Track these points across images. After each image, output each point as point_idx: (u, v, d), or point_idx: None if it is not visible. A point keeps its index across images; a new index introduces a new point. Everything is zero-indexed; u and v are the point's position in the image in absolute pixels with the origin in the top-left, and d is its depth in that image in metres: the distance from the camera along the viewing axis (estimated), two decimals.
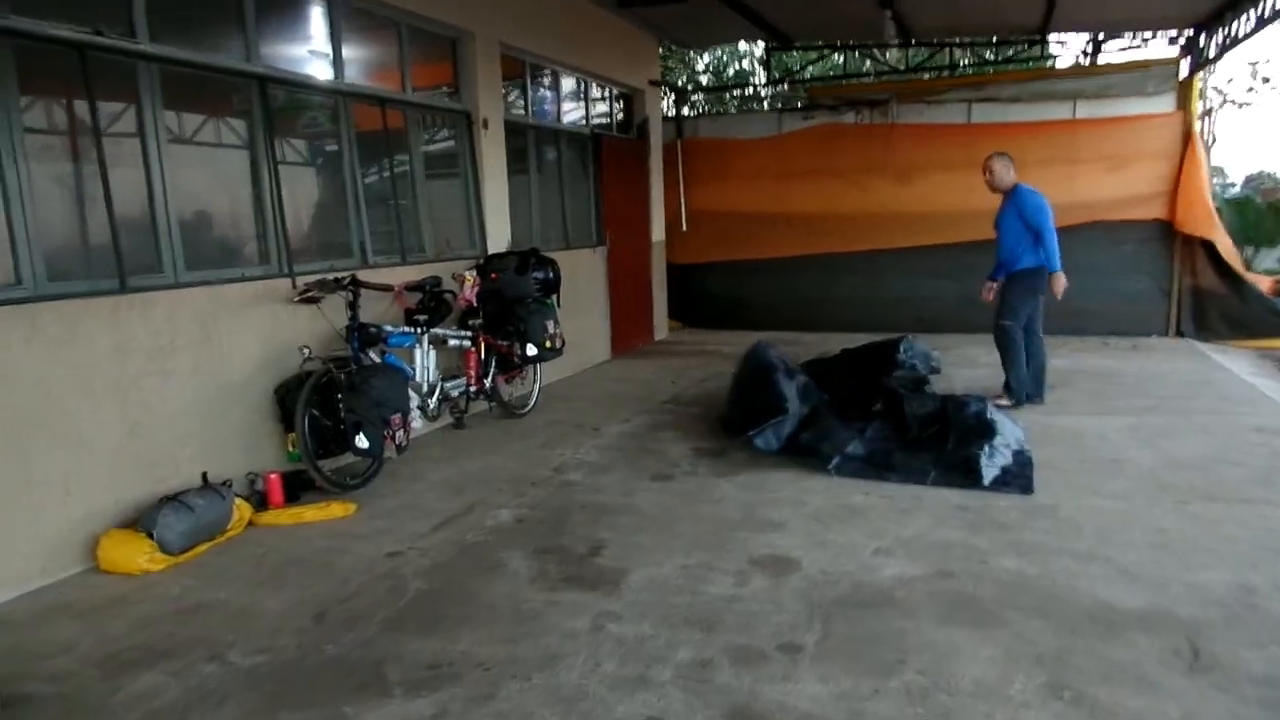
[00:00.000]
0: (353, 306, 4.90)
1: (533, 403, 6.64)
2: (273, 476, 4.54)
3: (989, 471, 4.61)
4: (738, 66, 18.63)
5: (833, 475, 4.76)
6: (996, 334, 6.28)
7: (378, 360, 5.07)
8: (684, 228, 10.99)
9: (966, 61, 11.11)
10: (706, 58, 18.68)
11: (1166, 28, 9.72)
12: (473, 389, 5.95)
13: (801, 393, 5.43)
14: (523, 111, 7.66)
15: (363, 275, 5.08)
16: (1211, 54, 9.23)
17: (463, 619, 3.22)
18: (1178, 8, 8.91)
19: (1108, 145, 9.38)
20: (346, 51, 5.46)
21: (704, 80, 18.05)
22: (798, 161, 10.50)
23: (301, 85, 5.14)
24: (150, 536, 3.78)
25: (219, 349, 4.46)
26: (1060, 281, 5.98)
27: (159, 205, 4.20)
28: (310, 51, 5.30)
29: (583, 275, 8.47)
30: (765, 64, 12.14)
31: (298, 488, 4.66)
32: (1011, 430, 5.20)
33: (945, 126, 9.93)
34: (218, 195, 4.86)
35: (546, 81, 8.26)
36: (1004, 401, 6.10)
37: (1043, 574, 3.44)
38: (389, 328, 5.19)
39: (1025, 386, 6.29)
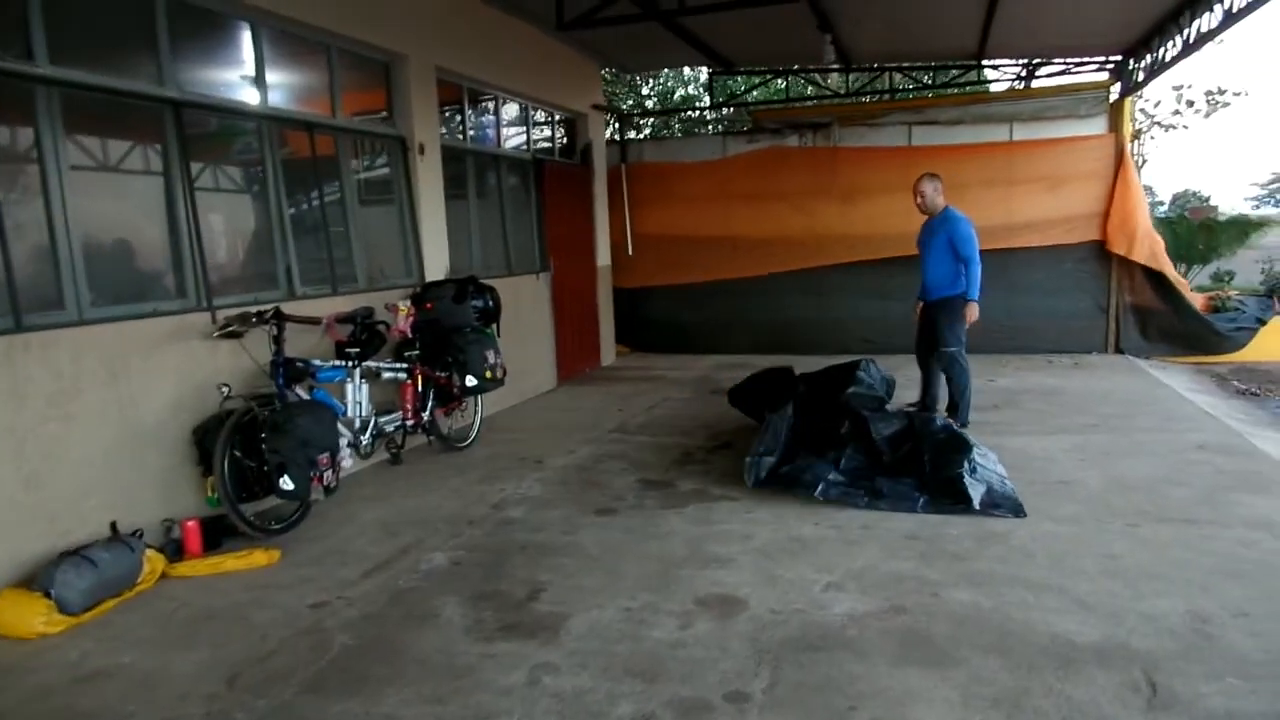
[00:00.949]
0: (277, 341, 4.64)
1: (474, 435, 6.41)
2: (190, 524, 4.26)
3: (975, 491, 4.50)
4: (684, 91, 18.74)
5: (821, 508, 4.55)
6: (944, 361, 6.27)
7: (305, 396, 4.82)
8: (630, 252, 10.89)
9: (908, 86, 11.22)
10: (652, 83, 18.76)
11: (1097, 54, 9.95)
12: (409, 423, 5.71)
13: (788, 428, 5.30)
14: (461, 137, 7.49)
15: (288, 308, 4.84)
16: (1140, 78, 9.46)
17: (389, 677, 3.00)
18: (1108, 35, 9.12)
19: (1044, 166, 9.53)
20: (271, 75, 5.24)
21: (650, 105, 18.09)
22: (742, 184, 10.49)
23: (219, 110, 4.90)
24: (48, 595, 3.47)
25: (129, 390, 4.17)
26: (974, 311, 6.03)
27: (60, 237, 3.92)
28: (231, 75, 5.07)
29: (526, 302, 8.29)
30: (709, 88, 12.09)
31: (220, 534, 4.38)
32: (979, 443, 5.12)
33: (887, 149, 10.00)
34: (129, 225, 4.58)
35: (486, 106, 8.11)
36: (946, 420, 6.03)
37: (997, 606, 3.33)
38: (317, 362, 4.95)
39: (967, 406, 6.25)
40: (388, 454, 5.79)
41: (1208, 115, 21.52)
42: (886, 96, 11.15)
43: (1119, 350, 9.55)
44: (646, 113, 15.68)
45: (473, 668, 3.04)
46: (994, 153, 9.69)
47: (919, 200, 6.21)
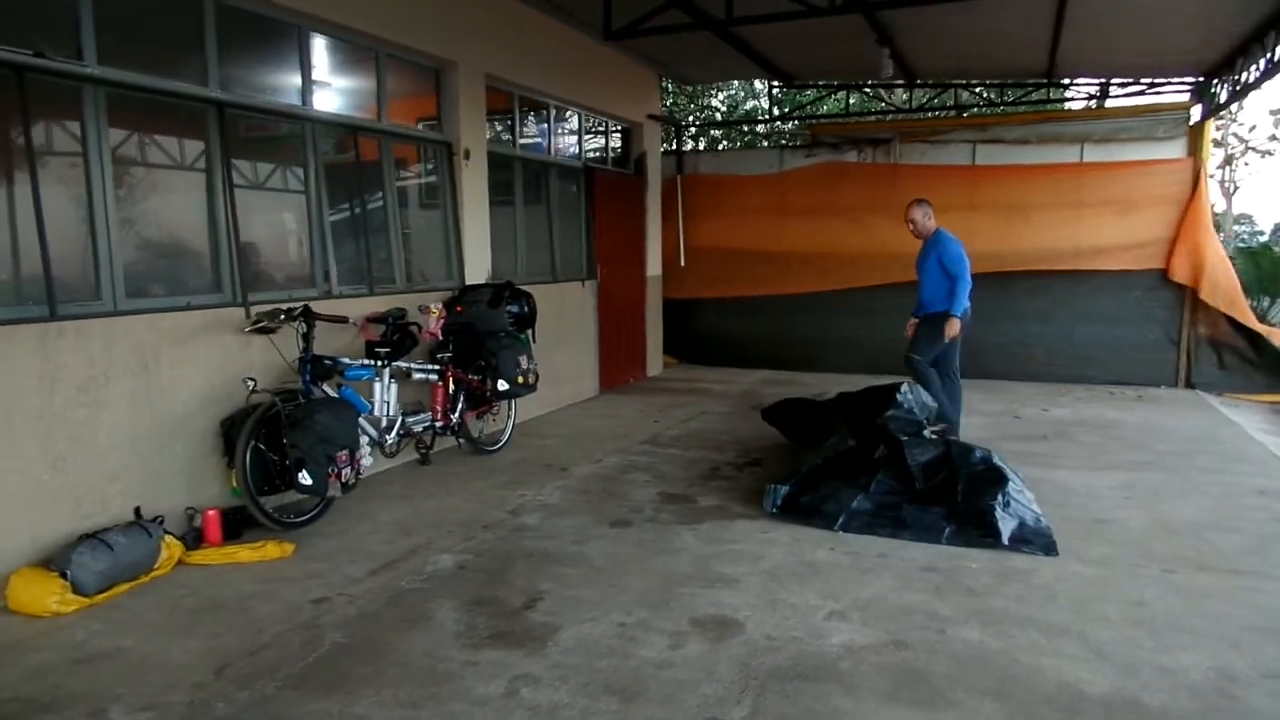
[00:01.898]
0: (306, 338, 4.74)
1: (505, 439, 6.43)
2: (210, 513, 4.36)
3: (1006, 525, 4.31)
4: (755, 103, 18.61)
5: (839, 534, 4.41)
6: (906, 366, 6.33)
7: (333, 394, 4.90)
8: (683, 263, 10.85)
9: (974, 104, 10.91)
10: (722, 94, 18.69)
11: (1175, 74, 9.50)
12: (438, 424, 5.76)
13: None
14: (510, 143, 7.56)
15: (320, 306, 4.94)
16: (1223, 99, 9.00)
17: (370, 678, 3.00)
18: (1187, 54, 8.69)
19: (1116, 190, 9.14)
20: (317, 78, 5.37)
21: (720, 116, 18.00)
22: (798, 199, 10.35)
23: (263, 111, 5.03)
24: (64, 576, 3.59)
25: (159, 381, 4.30)
26: (954, 326, 6.08)
27: (100, 230, 4.07)
28: (277, 78, 5.21)
29: (571, 309, 8.32)
30: (769, 100, 11.98)
31: (240, 525, 4.47)
32: (1017, 474, 4.91)
33: (948, 168, 9.75)
34: (168, 221, 4.74)
35: (538, 114, 8.17)
36: (937, 428, 5.84)
37: (1005, 648, 3.16)
38: (346, 360, 5.03)
39: (954, 413, 6.27)
40: (417, 454, 5.85)
41: None
42: (951, 113, 10.85)
43: (1190, 385, 9.07)
44: (704, 124, 15.57)
45: (454, 674, 3.02)
46: (1063, 174, 9.34)
47: (911, 226, 6.33)
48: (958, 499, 4.54)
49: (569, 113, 8.62)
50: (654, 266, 10.24)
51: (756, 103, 18.53)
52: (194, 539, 4.33)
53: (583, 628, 3.38)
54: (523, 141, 7.86)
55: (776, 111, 12.46)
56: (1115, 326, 9.26)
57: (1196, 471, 5.63)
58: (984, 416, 7.50)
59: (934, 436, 5.16)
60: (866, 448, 5.03)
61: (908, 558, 4.09)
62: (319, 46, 5.45)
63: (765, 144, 14.84)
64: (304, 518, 4.59)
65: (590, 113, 8.90)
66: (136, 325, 4.20)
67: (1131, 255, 9.12)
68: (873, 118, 12.15)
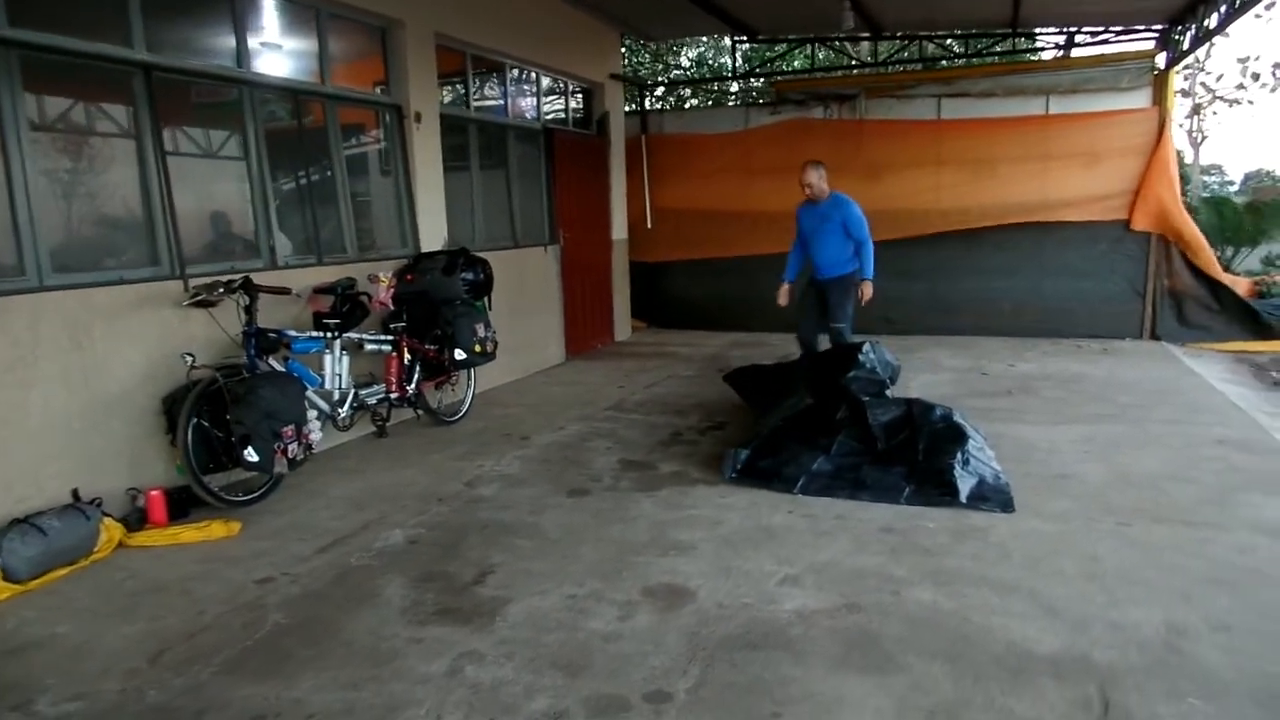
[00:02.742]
0: (248, 310, 4.58)
1: (465, 410, 6.33)
2: (154, 493, 4.23)
3: (965, 484, 4.29)
4: (726, 60, 18.21)
5: (799, 497, 4.37)
6: (834, 337, 6.25)
7: (279, 368, 4.76)
8: (649, 225, 10.70)
9: (939, 56, 10.75)
10: (693, 52, 18.33)
11: (1140, 21, 9.39)
12: (394, 396, 5.64)
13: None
14: (465, 106, 7.34)
15: (263, 278, 4.77)
16: (1186, 46, 8.92)
17: (311, 659, 2.92)
18: (1150, 1, 8.59)
19: (1082, 141, 9.08)
20: (254, 39, 5.14)
21: (691, 74, 17.65)
22: (763, 158, 10.18)
23: (195, 75, 4.81)
24: None
25: (93, 358, 4.14)
26: (869, 289, 6.15)
27: (20, 202, 3.88)
28: (209, 40, 4.98)
29: (533, 275, 8.17)
30: (732, 55, 11.74)
31: (186, 504, 4.36)
32: (977, 432, 4.92)
33: (914, 123, 9.63)
34: (97, 192, 4.54)
35: (494, 75, 7.94)
36: None
37: (957, 609, 3.13)
38: (292, 332, 4.88)
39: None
40: (373, 426, 5.73)
41: (1275, 89, 20.48)
42: (918, 67, 10.70)
43: (1155, 336, 9.10)
44: (669, 84, 15.27)
45: (397, 653, 2.94)
46: (1028, 126, 9.25)
47: (808, 190, 6.15)
48: (918, 458, 4.51)
49: (527, 73, 8.39)
50: (619, 230, 10.08)
51: (728, 60, 18.19)
52: (138, 520, 4.21)
53: (532, 601, 3.31)
54: (478, 104, 7.65)
55: (746, 69, 12.25)
56: (1082, 279, 9.25)
57: (1157, 423, 5.64)
58: (950, 373, 7.49)
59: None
60: (828, 409, 4.98)
61: (866, 519, 4.05)
62: (255, 5, 5.22)
63: (734, 102, 14.59)
64: (252, 496, 4.48)
65: (549, 73, 8.67)
66: (66, 301, 4.03)
67: (1098, 207, 9.09)
68: (839, 73, 11.94)
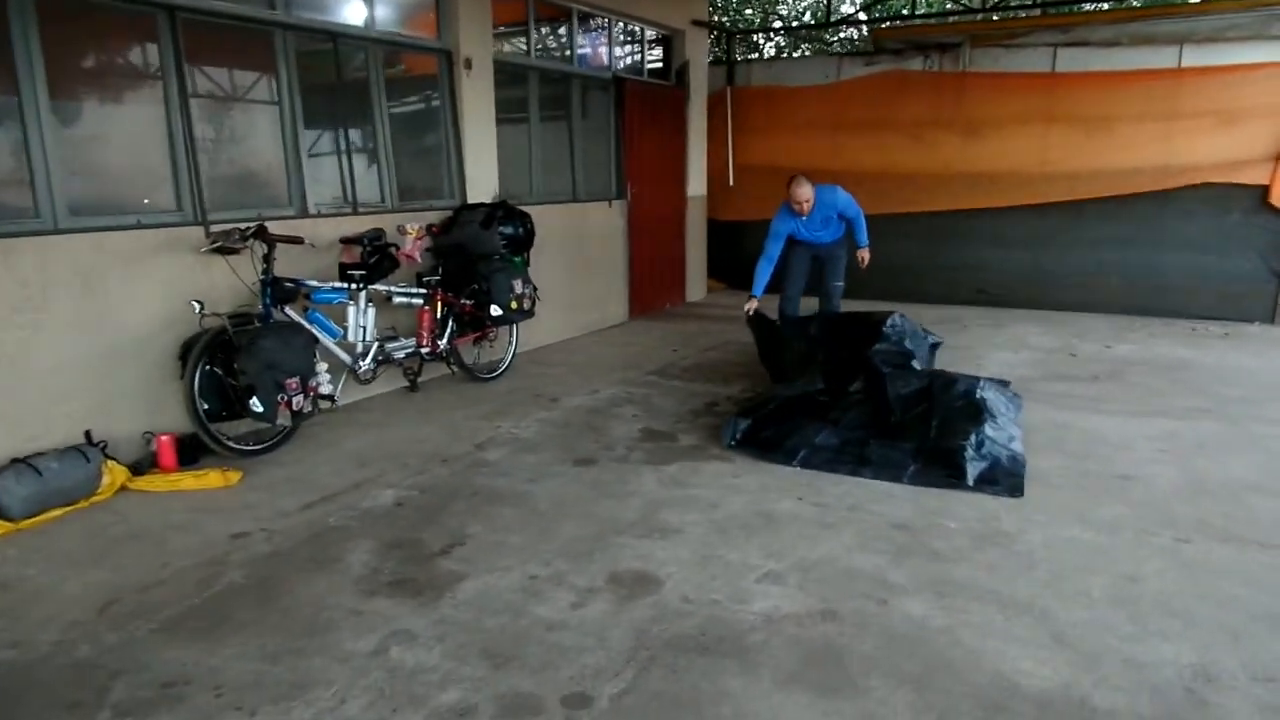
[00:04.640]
0: (266, 259, 4.54)
1: (504, 367, 6.19)
2: (164, 438, 4.28)
3: (974, 466, 3.98)
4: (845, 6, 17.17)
5: (798, 469, 4.16)
6: (834, 295, 6.25)
7: (297, 318, 4.72)
8: (731, 182, 10.24)
9: (1060, 1, 9.70)
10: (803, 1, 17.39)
11: None
12: (424, 351, 5.55)
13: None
14: (525, 51, 7.09)
15: (294, 226, 4.75)
16: None
17: (245, 624, 2.83)
18: None
19: (1218, 98, 8.01)
20: None
21: (800, 19, 16.72)
22: (855, 112, 9.53)
23: (223, 17, 4.73)
24: None
25: (107, 302, 4.18)
26: (867, 254, 6.26)
27: (35, 145, 3.90)
28: None
29: (594, 231, 7.93)
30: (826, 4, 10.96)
31: (197, 450, 4.39)
32: (1007, 415, 4.48)
33: (1023, 75, 8.74)
34: (116, 134, 4.53)
35: (560, 21, 7.64)
36: None
37: (949, 626, 2.75)
38: (313, 282, 4.83)
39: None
40: (406, 380, 5.66)
41: None
42: (1035, 13, 9.69)
43: None
44: (751, 30, 14.45)
45: (333, 625, 2.82)
46: (1155, 81, 8.22)
47: (805, 204, 5.79)
48: (930, 434, 4.20)
49: (598, 19, 8.05)
50: (696, 186, 9.68)
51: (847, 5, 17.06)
52: (149, 464, 4.27)
53: (490, 578, 3.13)
54: (542, 51, 7.38)
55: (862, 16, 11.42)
56: (1205, 254, 8.24)
57: (1259, 423, 4.92)
58: (1034, 352, 6.82)
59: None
60: (842, 382, 4.63)
61: (880, 512, 3.66)
62: None
63: (837, 49, 13.74)
64: (261, 445, 4.48)
65: (622, 18, 8.29)
66: (78, 244, 4.06)
67: (1231, 174, 8.03)
68: (946, 19, 11.01)
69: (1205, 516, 3.58)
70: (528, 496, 3.92)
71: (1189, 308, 8.28)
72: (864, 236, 6.18)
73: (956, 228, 9.18)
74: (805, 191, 5.77)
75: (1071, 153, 8.55)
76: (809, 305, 6.28)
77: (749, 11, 16.49)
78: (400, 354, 5.41)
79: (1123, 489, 3.91)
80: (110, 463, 3.99)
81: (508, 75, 6.83)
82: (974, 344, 7.10)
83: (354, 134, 5.64)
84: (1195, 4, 8.44)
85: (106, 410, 4.19)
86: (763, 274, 5.92)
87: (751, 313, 5.91)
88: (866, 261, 6.23)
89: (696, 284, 9.88)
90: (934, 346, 6.07)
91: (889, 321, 5.05)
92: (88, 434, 4.05)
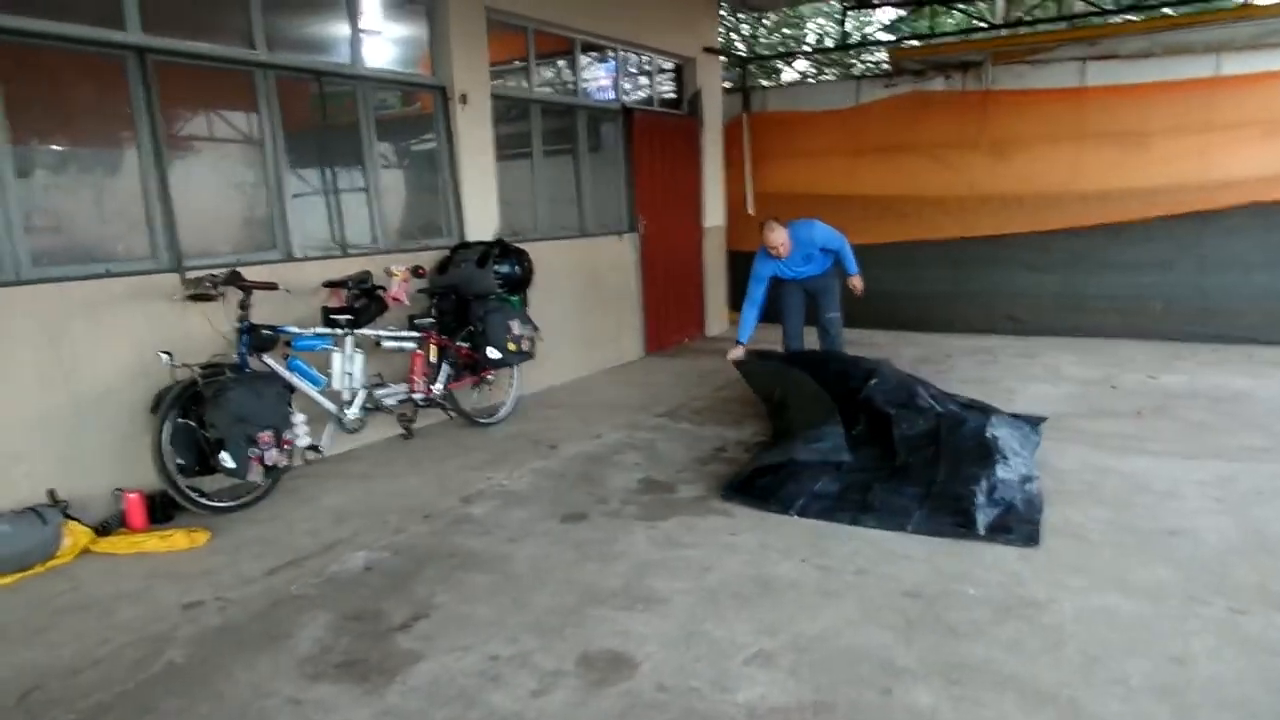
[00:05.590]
0: (242, 305, 4.34)
1: (505, 411, 5.92)
2: (132, 496, 4.06)
3: (985, 514, 3.66)
4: (865, 24, 16.84)
5: (795, 518, 3.88)
6: (831, 329, 6.09)
7: (277, 366, 4.51)
8: (751, 211, 9.95)
9: (1080, 13, 9.32)
10: (820, 21, 17.14)
11: None
12: (417, 396, 5.30)
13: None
14: (526, 85, 6.90)
15: (280, 270, 4.57)
16: None
17: (171, 715, 2.55)
18: None
19: (1260, 107, 7.56)
20: (268, 19, 4.87)
21: (817, 44, 16.49)
22: (875, 136, 9.22)
23: (198, 58, 4.58)
24: None
25: (72, 354, 3.99)
26: (860, 281, 6.12)
27: None
28: (215, 18, 4.75)
29: (605, 265, 7.68)
30: (841, 23, 10.69)
31: (170, 508, 4.17)
32: (1021, 453, 4.12)
33: (1050, 91, 8.36)
34: (84, 178, 4.39)
35: (564, 54, 7.45)
36: None
37: None
38: (293, 329, 4.61)
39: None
40: (400, 428, 5.41)
41: None
42: (1063, 25, 9.32)
43: None
44: (764, 56, 14.15)
45: (264, 717, 2.53)
46: (1190, 91, 7.80)
47: (781, 249, 5.72)
48: (937, 477, 3.89)
49: (603, 48, 7.86)
50: (713, 216, 9.40)
51: (868, 21, 16.64)
52: (118, 523, 4.06)
53: (448, 659, 2.82)
54: (546, 83, 7.20)
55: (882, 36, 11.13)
56: (1256, 274, 7.71)
57: None
58: (1072, 384, 6.37)
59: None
60: (845, 425, 4.32)
61: (891, 575, 3.29)
62: None
63: (858, 73, 13.44)
64: (237, 502, 4.25)
65: (630, 48, 8.10)
66: (40, 295, 3.89)
67: (1278, 187, 7.55)
68: (973, 37, 10.66)
69: (1266, 580, 3.15)
70: (506, 560, 3.61)
71: (1240, 331, 7.73)
72: (853, 265, 6.03)
73: (985, 253, 8.76)
74: (779, 236, 5.66)
75: (1105, 171, 8.12)
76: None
77: (771, 37, 16.30)
78: (391, 400, 5.17)
79: (1169, 546, 3.49)
80: (71, 523, 3.78)
81: (509, 109, 6.65)
82: (1004, 376, 6.67)
83: (342, 174, 5.46)
84: (1233, 9, 7.98)
85: (73, 467, 3.99)
86: (747, 319, 5.83)
87: (736, 359, 5.74)
88: (860, 289, 6.09)
89: (716, 317, 9.56)
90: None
91: (874, 377, 4.81)
92: (51, 493, 3.86)
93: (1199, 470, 4.38)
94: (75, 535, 3.78)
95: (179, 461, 4.07)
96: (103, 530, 3.94)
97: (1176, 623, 2.88)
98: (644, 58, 8.48)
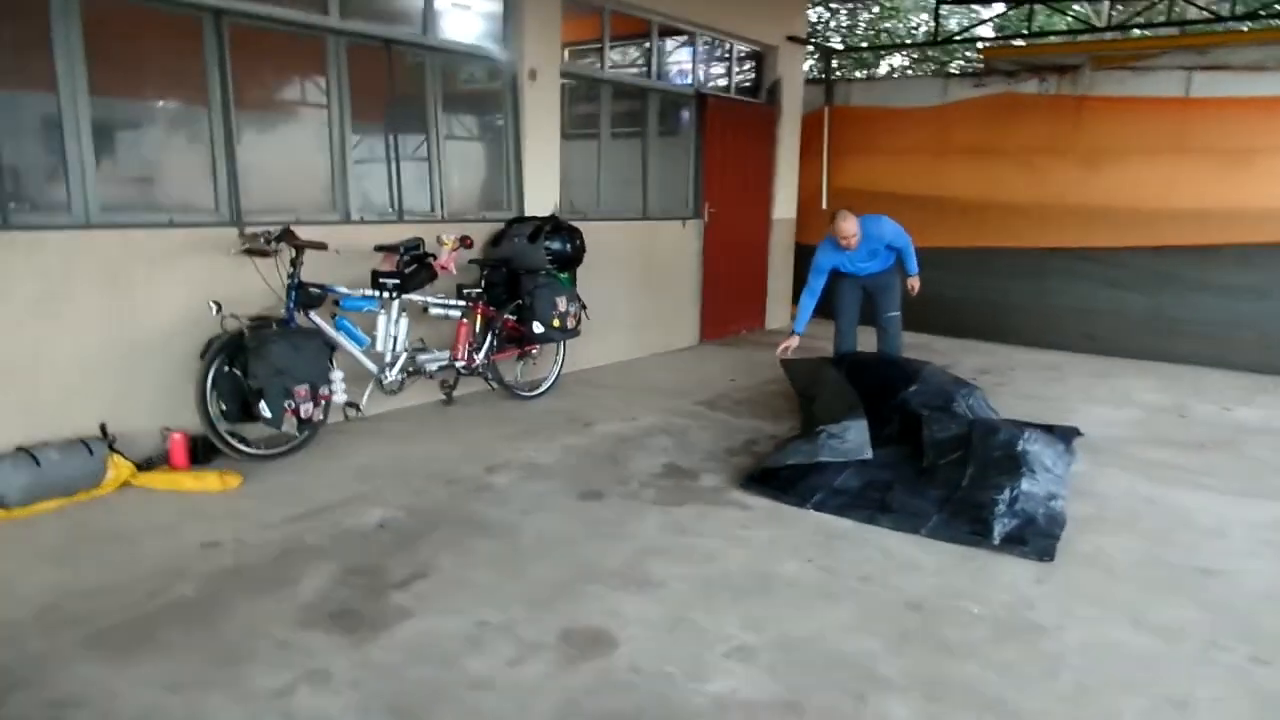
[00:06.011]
0: (294, 263, 4.49)
1: (547, 386, 5.98)
2: (176, 436, 4.27)
3: (1002, 524, 3.60)
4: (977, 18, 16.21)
5: (810, 512, 3.84)
6: (890, 328, 5.93)
7: (323, 324, 4.65)
8: (824, 205, 9.74)
9: (1191, 18, 8.77)
10: (925, 18, 16.62)
11: None
12: (459, 364, 5.40)
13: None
14: (599, 64, 6.91)
15: (338, 231, 4.73)
16: None
17: (168, 645, 2.68)
18: None
19: None
20: None
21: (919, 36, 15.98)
22: (962, 136, 8.90)
23: (272, 21, 4.73)
24: None
25: (132, 299, 4.20)
26: (917, 282, 5.96)
27: (71, 141, 3.96)
28: None
29: (664, 250, 7.65)
30: (935, 17, 10.33)
31: (210, 450, 4.36)
32: (1054, 470, 3.98)
33: (1151, 100, 7.90)
34: (156, 132, 4.60)
35: (641, 36, 7.42)
36: None
37: None
38: (342, 289, 4.75)
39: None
40: (443, 393, 5.53)
41: None
42: (1174, 31, 8.80)
43: None
44: (854, 48, 13.78)
45: (254, 656, 2.63)
46: None
47: (852, 239, 5.49)
48: (961, 483, 3.83)
49: (681, 32, 7.79)
50: (784, 208, 9.26)
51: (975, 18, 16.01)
52: (162, 460, 4.27)
53: (437, 620, 2.88)
54: (617, 64, 7.19)
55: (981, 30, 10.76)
56: None
57: None
58: (1138, 410, 6.06)
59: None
60: (876, 425, 4.24)
61: (894, 585, 3.21)
62: None
63: (955, 70, 13.00)
64: (273, 451, 4.41)
65: (711, 33, 8.01)
66: (105, 240, 4.10)
67: None
68: (1077, 39, 10.19)
69: None
70: (514, 530, 3.66)
71: None
72: (914, 265, 5.87)
73: (1065, 265, 8.39)
74: (850, 227, 5.47)
75: (1203, 189, 7.66)
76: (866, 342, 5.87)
77: (870, 30, 15.89)
78: (433, 366, 5.28)
79: (1200, 586, 3.30)
80: (116, 457, 3.99)
81: (579, 88, 6.67)
82: (1068, 395, 6.40)
83: (406, 142, 5.58)
84: None
85: (127, 405, 4.21)
86: (805, 309, 5.69)
87: (787, 353, 5.66)
88: (916, 289, 5.92)
89: (778, 310, 9.42)
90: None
91: (920, 376, 4.68)
92: (103, 427, 4.08)
93: (1253, 510, 4.12)
94: (119, 468, 3.99)
95: (221, 407, 4.26)
96: (145, 466, 4.16)
97: (1188, 665, 2.72)
98: (725, 44, 8.38)
